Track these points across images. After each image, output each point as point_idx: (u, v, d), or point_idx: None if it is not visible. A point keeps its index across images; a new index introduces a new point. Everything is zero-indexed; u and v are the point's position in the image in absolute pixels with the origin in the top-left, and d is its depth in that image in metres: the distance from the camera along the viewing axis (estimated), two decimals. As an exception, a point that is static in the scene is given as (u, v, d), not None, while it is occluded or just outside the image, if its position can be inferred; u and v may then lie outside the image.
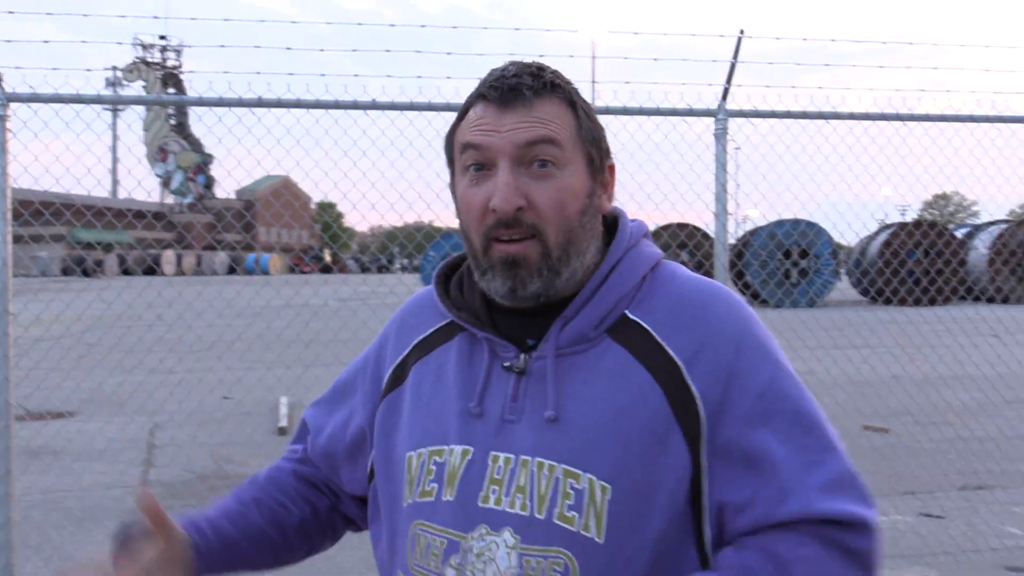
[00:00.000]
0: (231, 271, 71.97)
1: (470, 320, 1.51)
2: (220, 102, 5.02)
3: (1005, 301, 28.94)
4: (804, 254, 29.88)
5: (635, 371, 1.41)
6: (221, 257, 74.74)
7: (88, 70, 5.00)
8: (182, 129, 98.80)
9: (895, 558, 5.60)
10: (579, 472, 1.37)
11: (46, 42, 4.74)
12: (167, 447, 8.90)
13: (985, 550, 5.79)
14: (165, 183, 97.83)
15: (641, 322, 1.45)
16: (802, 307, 27.11)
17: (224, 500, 1.68)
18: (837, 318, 12.93)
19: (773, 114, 5.61)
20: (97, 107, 5.48)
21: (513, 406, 1.44)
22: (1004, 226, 31.31)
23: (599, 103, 5.08)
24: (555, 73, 1.48)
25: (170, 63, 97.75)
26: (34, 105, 4.69)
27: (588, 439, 1.38)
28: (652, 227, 1.62)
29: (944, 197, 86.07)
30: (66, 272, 53.53)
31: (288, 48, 5.23)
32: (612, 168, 1.53)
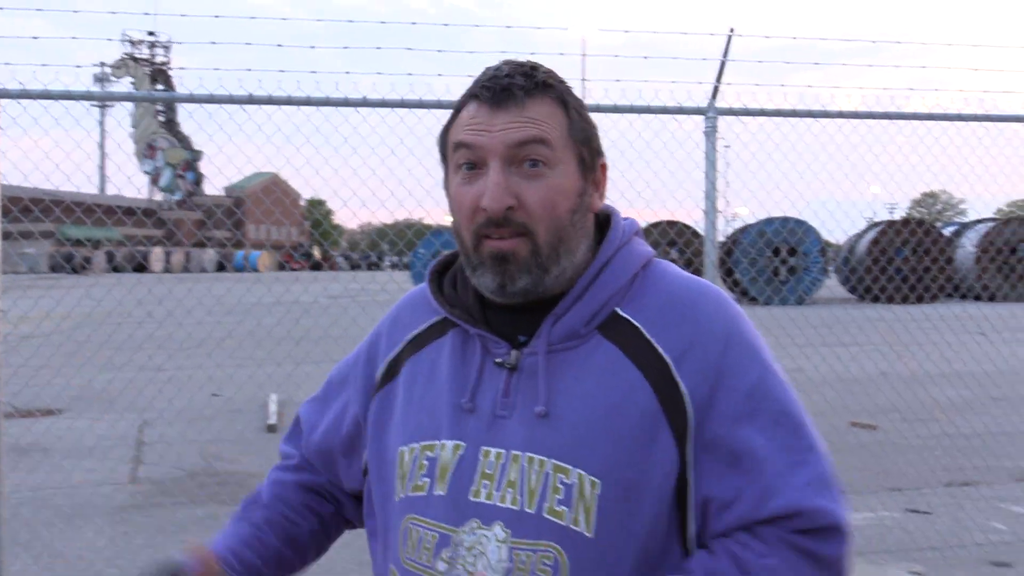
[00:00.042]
0: (220, 268, 71.78)
1: (463, 316, 1.53)
2: (211, 99, 5.02)
3: (992, 299, 29.05)
4: (793, 252, 29.96)
5: (625, 368, 1.42)
6: (210, 254, 74.54)
7: (78, 66, 5.00)
8: (171, 126, 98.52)
9: (882, 553, 5.63)
10: (569, 467, 1.39)
11: (35, 38, 4.74)
12: (156, 444, 8.89)
13: (971, 545, 5.82)
14: (154, 180, 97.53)
15: (631, 319, 1.46)
16: (791, 305, 27.18)
17: (238, 527, 1.69)
18: (826, 316, 12.95)
19: (763, 112, 5.64)
20: (86, 103, 5.48)
21: (504, 402, 1.45)
22: (991, 224, 31.48)
23: (589, 101, 5.09)
24: (548, 73, 1.48)
25: (159, 59, 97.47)
26: (23, 101, 4.69)
27: (578, 435, 1.40)
28: (642, 225, 1.63)
29: (932, 195, 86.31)
30: (54, 269, 53.34)
31: (279, 45, 5.23)
32: (604, 167, 1.54)
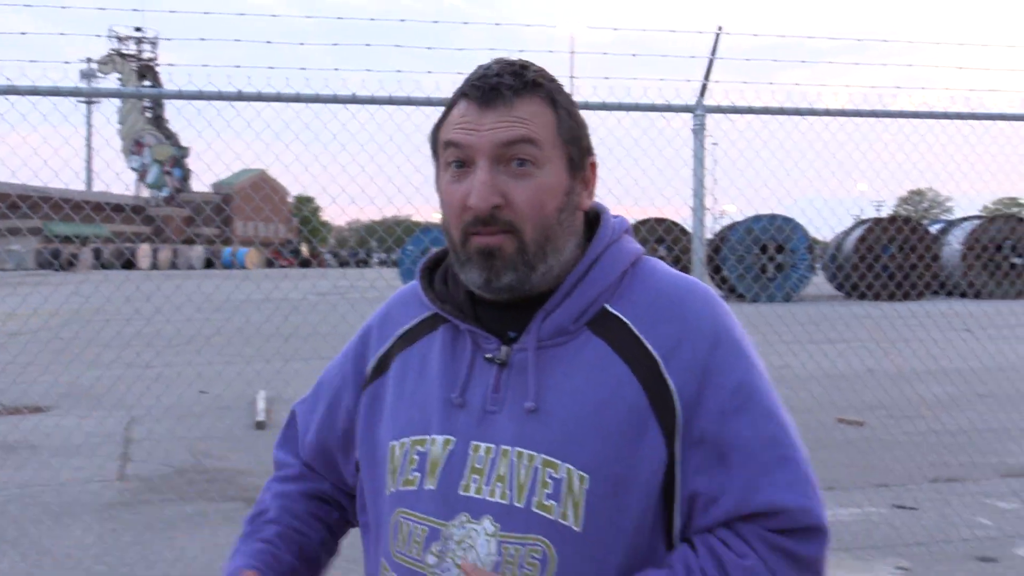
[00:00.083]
0: (208, 265, 71.63)
1: (453, 312, 1.54)
2: (200, 95, 5.03)
3: (977, 296, 29.21)
4: (780, 249, 30.04)
5: (614, 364, 1.44)
6: (197, 251, 74.37)
7: (66, 62, 5.00)
8: (158, 122, 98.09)
9: (869, 549, 5.67)
10: (558, 462, 1.40)
11: (23, 34, 4.73)
12: (145, 441, 8.88)
13: (957, 541, 5.86)
14: (141, 176, 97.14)
15: (621, 316, 1.48)
16: (778, 301, 27.29)
17: (254, 546, 1.66)
18: (813, 312, 13.02)
19: (750, 110, 5.66)
20: (75, 99, 5.47)
21: (495, 397, 1.47)
22: (977, 222, 31.64)
23: (578, 99, 5.11)
24: (539, 72, 1.49)
25: (146, 55, 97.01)
26: (11, 97, 4.68)
27: (567, 430, 1.41)
28: (631, 222, 1.64)
29: (919, 193, 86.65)
30: (41, 266, 53.15)
31: (268, 42, 5.24)
32: (594, 165, 1.55)
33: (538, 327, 1.48)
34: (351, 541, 1.77)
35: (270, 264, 70.59)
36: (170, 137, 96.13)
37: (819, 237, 30.28)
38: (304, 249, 73.82)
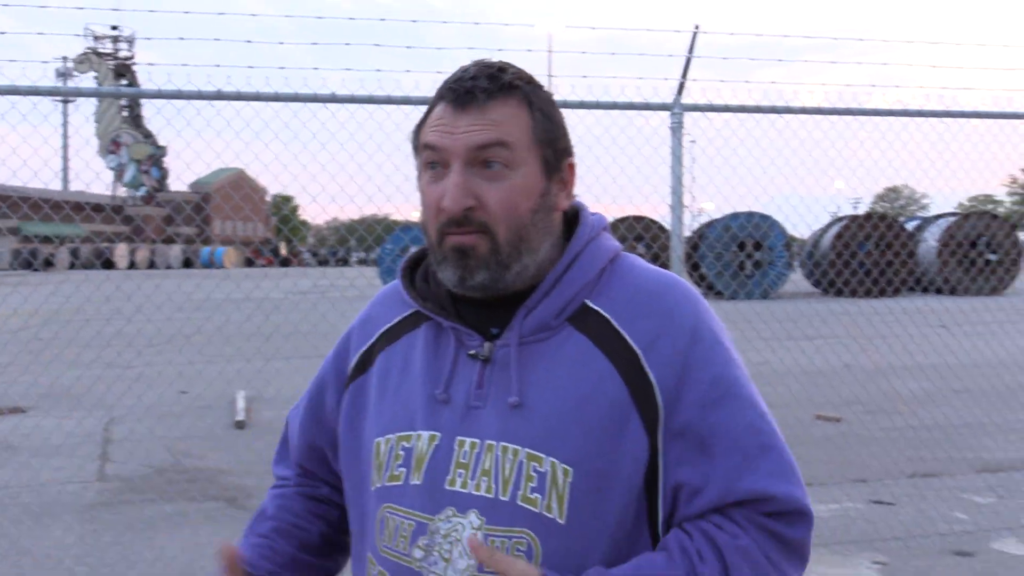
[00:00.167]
0: (187, 264, 71.28)
1: (435, 310, 1.56)
2: (179, 95, 5.02)
3: (953, 292, 29.44)
4: (758, 246, 30.16)
5: (595, 358, 1.47)
6: (175, 251, 73.97)
7: (45, 62, 4.98)
8: (135, 121, 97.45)
9: (846, 544, 5.72)
10: (542, 456, 1.43)
11: (2, 33, 4.72)
12: (124, 441, 8.84)
13: (934, 535, 5.92)
14: (118, 176, 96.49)
15: (601, 311, 1.50)
16: (756, 299, 27.40)
17: (249, 540, 1.70)
18: (790, 309, 13.11)
19: (727, 108, 5.71)
20: (52, 99, 5.46)
21: (478, 393, 1.49)
22: (952, 219, 31.85)
23: (556, 97, 5.14)
24: (516, 74, 1.51)
25: (122, 54, 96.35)
26: (-10, 97, 4.67)
27: (550, 425, 1.44)
28: (609, 220, 1.67)
29: (895, 190, 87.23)
30: (21, 266, 52.71)
31: (248, 41, 5.24)
32: (572, 166, 1.57)
33: (520, 323, 1.50)
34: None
35: (250, 263, 70.33)
36: (147, 136, 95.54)
37: (796, 234, 30.42)
38: (283, 249, 73.53)
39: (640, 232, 25.24)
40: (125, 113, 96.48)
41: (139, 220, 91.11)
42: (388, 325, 1.66)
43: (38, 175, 5.30)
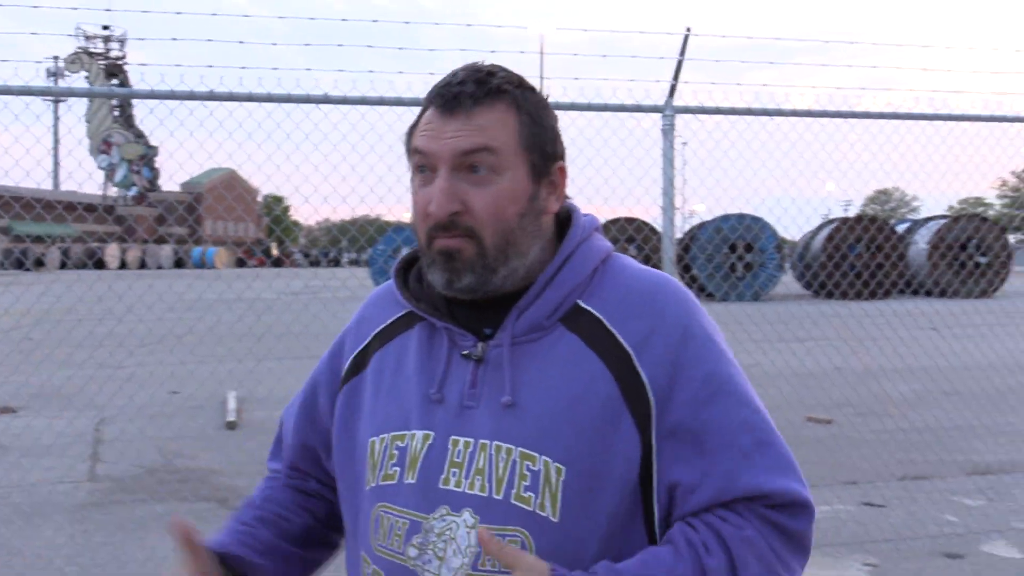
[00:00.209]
0: (178, 264, 71.10)
1: (429, 310, 1.57)
2: (172, 95, 5.03)
3: (943, 294, 29.52)
4: (749, 248, 30.21)
5: (587, 358, 1.48)
6: (166, 251, 73.80)
7: (38, 62, 4.98)
8: (128, 121, 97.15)
9: (837, 546, 5.73)
10: (535, 454, 1.44)
11: (-4, 34, 4.71)
12: (115, 442, 8.82)
13: (924, 537, 5.94)
14: (109, 175, 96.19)
15: (593, 311, 1.52)
16: (747, 300, 27.44)
17: (231, 526, 1.72)
18: (781, 311, 13.13)
19: (719, 110, 5.73)
20: (44, 99, 5.46)
21: (472, 392, 1.50)
22: (943, 221, 31.95)
23: (548, 99, 5.16)
24: (506, 78, 1.52)
25: (113, 53, 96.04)
26: (-17, 97, 4.67)
27: (543, 424, 1.45)
28: (601, 221, 1.69)
29: (885, 193, 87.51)
30: (5, 266, 52.49)
31: (240, 42, 5.24)
32: (562, 170, 1.58)
33: (512, 324, 1.51)
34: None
35: (241, 264, 70.19)
36: (139, 136, 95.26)
37: (787, 236, 30.46)
38: (274, 249, 73.44)
39: (632, 234, 25.27)
40: (116, 113, 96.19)
41: (131, 220, 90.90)
42: (382, 326, 1.67)
43: (30, 175, 5.29)
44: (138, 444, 8.64)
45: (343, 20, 5.75)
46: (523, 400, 1.47)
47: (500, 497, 1.43)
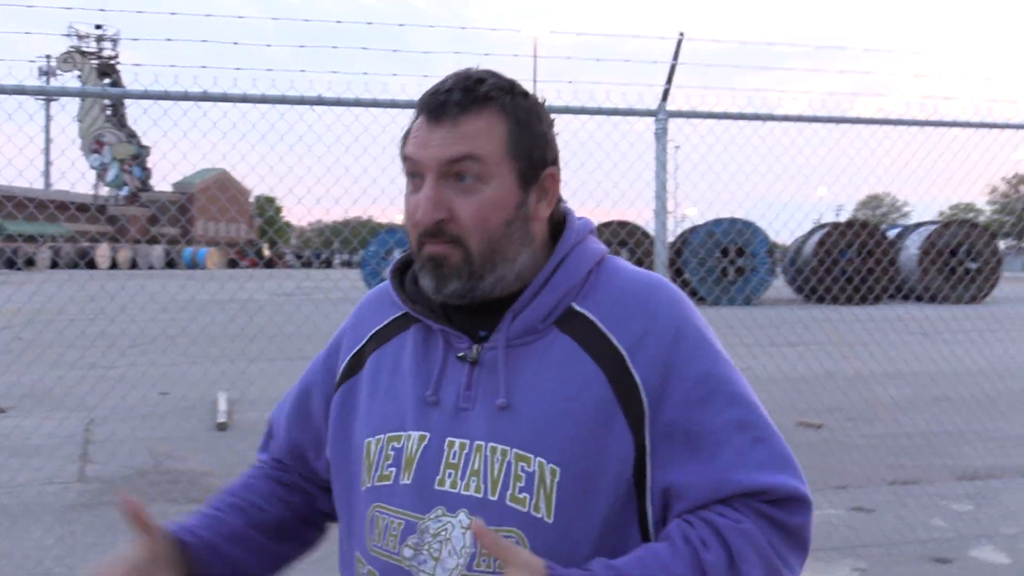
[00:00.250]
0: (170, 265, 70.95)
1: (425, 312, 1.58)
2: (166, 95, 5.02)
3: (933, 300, 29.63)
4: (741, 252, 30.28)
5: (581, 360, 1.49)
6: (158, 251, 73.62)
7: (32, 61, 4.98)
8: (120, 120, 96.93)
9: (828, 551, 5.75)
10: (530, 456, 1.45)
11: (-11, 32, 4.71)
12: (106, 443, 8.81)
13: (913, 542, 5.96)
14: (100, 175, 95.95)
15: (587, 313, 1.53)
16: (739, 305, 27.48)
17: (200, 509, 1.73)
18: (773, 316, 13.14)
19: (711, 115, 5.75)
20: (36, 98, 5.45)
21: (467, 394, 1.51)
22: (933, 227, 32.04)
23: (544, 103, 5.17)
24: (495, 84, 1.52)
25: (106, 53, 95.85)
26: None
27: (538, 426, 1.46)
28: (594, 224, 1.70)
29: (877, 198, 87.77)
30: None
31: (235, 43, 5.24)
32: (553, 176, 1.58)
33: (507, 326, 1.52)
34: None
35: (233, 264, 70.07)
36: (131, 136, 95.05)
37: (779, 241, 30.61)
38: (266, 250, 73.32)
39: (624, 237, 25.29)
40: (108, 112, 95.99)
41: (124, 220, 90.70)
42: (378, 327, 1.68)
43: (23, 174, 5.28)
44: (128, 445, 8.62)
45: (337, 22, 5.76)
46: (518, 402, 1.48)
47: (495, 498, 1.44)
